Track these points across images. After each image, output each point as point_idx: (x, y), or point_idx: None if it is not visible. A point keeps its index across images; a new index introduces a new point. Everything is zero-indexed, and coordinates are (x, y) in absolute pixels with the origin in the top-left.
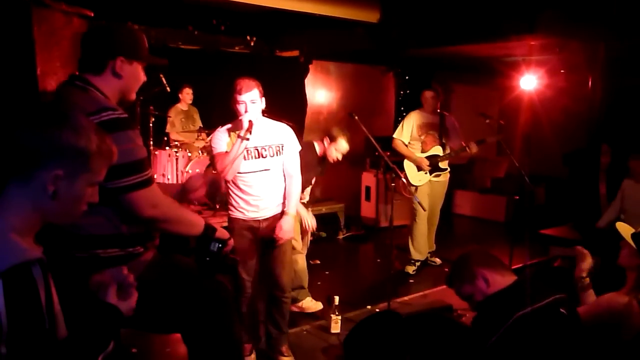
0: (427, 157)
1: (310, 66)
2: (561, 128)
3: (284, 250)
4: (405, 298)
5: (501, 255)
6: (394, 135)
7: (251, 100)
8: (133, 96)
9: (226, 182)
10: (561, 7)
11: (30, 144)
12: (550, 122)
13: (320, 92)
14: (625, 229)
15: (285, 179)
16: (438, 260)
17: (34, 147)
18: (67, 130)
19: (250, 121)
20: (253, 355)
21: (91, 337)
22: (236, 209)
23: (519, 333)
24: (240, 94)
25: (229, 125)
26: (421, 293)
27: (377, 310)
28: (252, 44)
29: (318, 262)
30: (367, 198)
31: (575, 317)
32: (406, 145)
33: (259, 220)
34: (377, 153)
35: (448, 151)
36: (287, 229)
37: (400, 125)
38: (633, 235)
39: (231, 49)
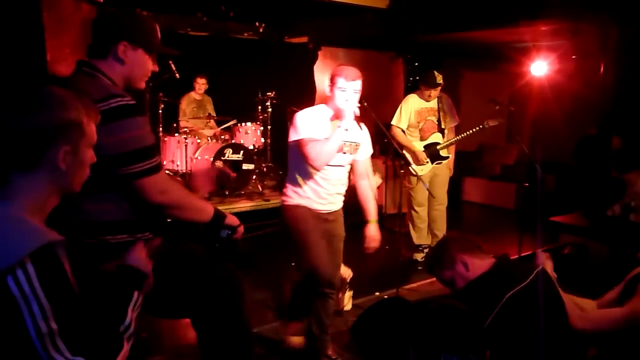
0: (426, 146)
1: (319, 52)
2: (572, 115)
3: (338, 248)
4: (414, 285)
5: (511, 243)
6: (392, 123)
7: (355, 89)
8: (141, 84)
9: (293, 170)
10: None
11: (29, 131)
12: (561, 109)
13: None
14: None
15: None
16: None
17: (34, 133)
18: (56, 107)
19: (355, 113)
20: (302, 337)
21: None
22: (301, 196)
23: (513, 311)
24: (347, 80)
25: (326, 111)
26: (429, 280)
27: (386, 296)
28: (261, 30)
29: None
30: None
31: (552, 290)
32: (404, 132)
33: (323, 214)
34: (386, 140)
35: (447, 138)
36: (377, 238)
37: (398, 111)
38: None
39: (240, 35)
